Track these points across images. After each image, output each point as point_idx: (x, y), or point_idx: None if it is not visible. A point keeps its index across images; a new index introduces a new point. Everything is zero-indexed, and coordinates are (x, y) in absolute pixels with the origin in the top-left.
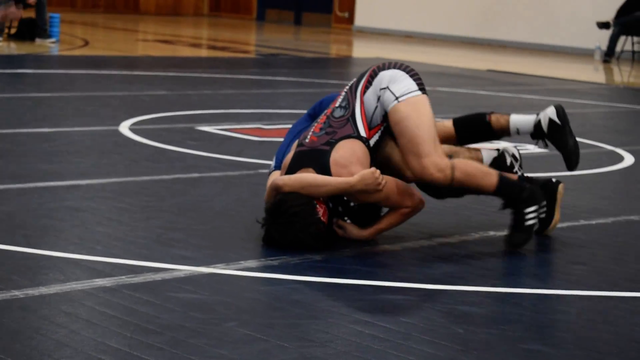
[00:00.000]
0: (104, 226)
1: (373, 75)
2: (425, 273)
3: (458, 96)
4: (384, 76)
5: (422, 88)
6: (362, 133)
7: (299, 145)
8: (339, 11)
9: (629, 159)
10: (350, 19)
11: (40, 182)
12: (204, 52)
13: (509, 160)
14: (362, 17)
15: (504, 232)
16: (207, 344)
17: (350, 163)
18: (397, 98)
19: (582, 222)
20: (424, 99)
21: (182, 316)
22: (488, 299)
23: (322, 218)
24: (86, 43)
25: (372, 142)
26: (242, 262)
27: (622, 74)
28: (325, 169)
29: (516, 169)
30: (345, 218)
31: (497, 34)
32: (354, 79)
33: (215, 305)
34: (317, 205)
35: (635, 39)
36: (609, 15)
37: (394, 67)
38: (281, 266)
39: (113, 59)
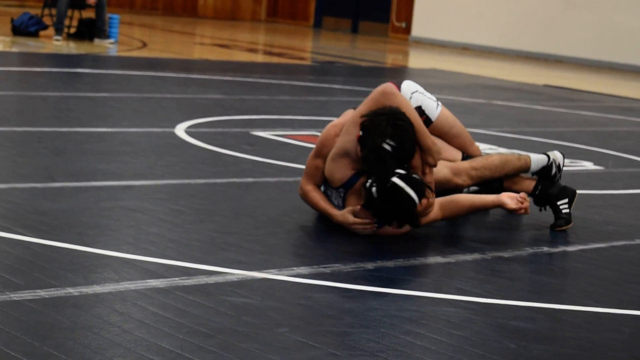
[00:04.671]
0: (159, 227)
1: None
2: (478, 286)
3: (513, 110)
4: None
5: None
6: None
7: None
8: (397, 21)
9: None
10: (408, 29)
11: (96, 181)
12: (260, 58)
13: (553, 171)
14: (419, 27)
15: (558, 249)
16: (258, 348)
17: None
18: None
19: (638, 241)
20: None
21: (234, 320)
22: (541, 314)
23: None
24: (144, 45)
25: None
26: (294, 268)
27: None
28: None
29: (558, 178)
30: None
31: (554, 49)
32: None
33: (267, 310)
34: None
35: None
36: None
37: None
38: (333, 274)
39: (170, 62)
